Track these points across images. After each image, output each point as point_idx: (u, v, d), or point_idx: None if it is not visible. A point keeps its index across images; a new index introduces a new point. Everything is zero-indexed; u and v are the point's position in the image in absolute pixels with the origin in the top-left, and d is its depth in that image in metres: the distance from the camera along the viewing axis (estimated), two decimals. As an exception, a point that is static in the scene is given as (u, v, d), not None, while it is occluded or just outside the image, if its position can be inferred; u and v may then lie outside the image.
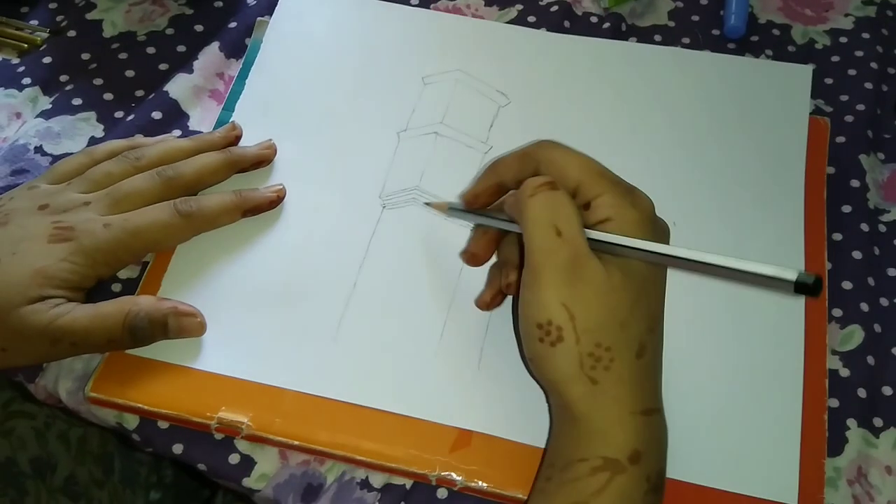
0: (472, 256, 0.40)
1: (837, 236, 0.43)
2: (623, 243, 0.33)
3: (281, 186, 0.44)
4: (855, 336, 0.40)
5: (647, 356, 0.33)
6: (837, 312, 0.41)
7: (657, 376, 0.34)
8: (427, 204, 0.42)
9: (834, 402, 0.39)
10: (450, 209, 0.41)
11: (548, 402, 0.37)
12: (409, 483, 0.37)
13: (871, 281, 0.42)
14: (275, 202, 0.43)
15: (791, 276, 0.29)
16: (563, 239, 0.33)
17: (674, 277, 0.41)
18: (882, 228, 0.44)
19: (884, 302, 0.42)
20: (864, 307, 0.41)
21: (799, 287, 0.29)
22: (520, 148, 0.37)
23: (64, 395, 0.39)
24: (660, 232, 0.35)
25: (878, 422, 0.39)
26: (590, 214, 0.34)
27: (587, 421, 0.32)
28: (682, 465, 0.37)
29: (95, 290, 0.40)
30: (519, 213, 0.34)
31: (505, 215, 0.37)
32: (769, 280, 0.30)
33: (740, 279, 0.31)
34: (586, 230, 0.33)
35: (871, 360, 0.40)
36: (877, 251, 0.43)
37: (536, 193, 0.34)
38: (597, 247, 0.33)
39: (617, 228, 0.33)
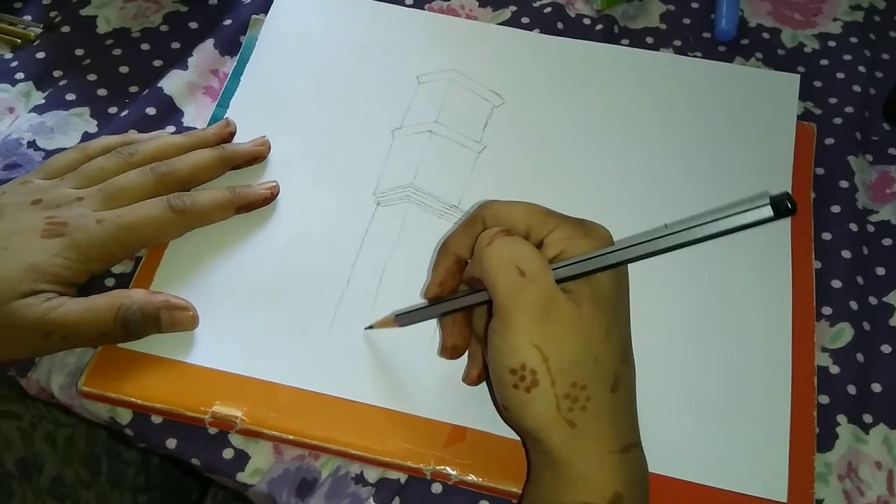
0: (453, 350, 0.38)
1: (827, 236, 0.44)
2: (596, 265, 0.31)
3: (275, 183, 0.44)
4: (844, 334, 0.41)
5: (622, 388, 0.32)
6: (827, 310, 0.42)
7: (633, 408, 0.33)
8: (369, 328, 0.40)
9: (824, 399, 0.39)
10: (397, 318, 0.38)
11: (524, 446, 0.36)
12: (403, 477, 0.37)
13: (860, 280, 0.43)
14: (269, 199, 0.43)
15: (767, 212, 0.27)
16: (527, 278, 0.31)
17: (662, 277, 0.41)
18: (870, 228, 0.45)
19: (872, 300, 0.42)
20: (854, 305, 0.42)
21: (777, 212, 0.27)
22: (462, 218, 0.36)
23: (56, 390, 0.39)
24: None
25: (867, 418, 0.39)
26: (544, 251, 0.33)
27: (568, 466, 0.32)
28: (673, 462, 0.37)
29: (88, 285, 0.40)
30: (480, 267, 0.33)
31: (460, 293, 0.36)
32: (752, 224, 0.28)
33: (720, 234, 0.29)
34: (552, 267, 0.32)
35: (860, 357, 0.40)
36: (865, 250, 0.44)
37: (493, 241, 0.33)
38: (563, 279, 0.32)
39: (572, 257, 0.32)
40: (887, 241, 0.44)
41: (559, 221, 0.34)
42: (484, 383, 0.38)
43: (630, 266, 0.41)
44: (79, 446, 0.49)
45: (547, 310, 0.31)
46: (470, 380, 0.38)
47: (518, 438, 0.37)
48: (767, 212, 0.27)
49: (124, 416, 0.38)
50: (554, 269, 0.32)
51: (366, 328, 0.40)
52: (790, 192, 0.28)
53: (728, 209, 0.28)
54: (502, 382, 0.32)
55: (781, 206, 0.27)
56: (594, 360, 0.31)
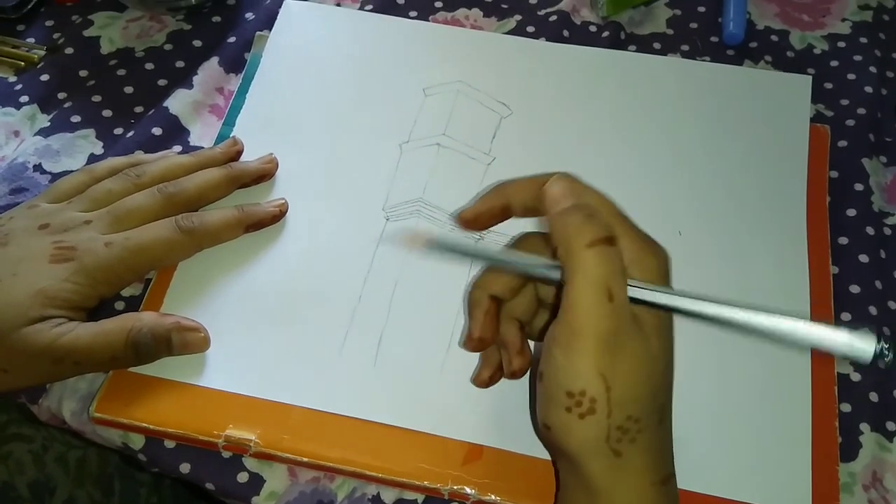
0: (479, 342, 0.35)
1: (843, 240, 0.43)
2: (676, 305, 0.30)
3: (283, 201, 0.43)
4: (865, 340, 0.40)
5: (667, 419, 0.32)
6: (846, 316, 0.41)
7: (671, 438, 0.32)
8: (401, 239, 0.38)
9: (846, 407, 0.39)
10: (429, 241, 0.34)
11: (554, 465, 0.35)
12: (420, 498, 0.37)
13: (878, 284, 0.42)
14: (277, 217, 0.43)
15: (869, 346, 0.26)
16: (613, 305, 0.29)
17: (678, 286, 0.41)
18: (887, 231, 0.44)
19: (892, 305, 0.42)
20: (873, 310, 0.41)
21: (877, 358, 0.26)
22: (535, 175, 0.34)
23: (68, 416, 0.39)
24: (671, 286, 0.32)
25: (891, 426, 0.38)
26: None
27: (607, 496, 0.30)
28: (694, 475, 0.36)
29: (98, 309, 0.39)
30: (567, 260, 0.30)
31: (519, 255, 0.34)
32: (842, 348, 0.27)
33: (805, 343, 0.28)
34: (631, 287, 0.30)
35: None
36: (883, 254, 0.43)
37: (595, 246, 0.29)
38: (633, 300, 0.30)
39: (636, 277, 0.31)
40: (905, 244, 0.44)
41: (629, 229, 0.31)
42: (495, 392, 0.38)
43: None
44: (91, 467, 0.49)
45: (620, 341, 0.29)
46: (480, 381, 0.37)
47: (537, 456, 0.36)
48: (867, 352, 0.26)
49: (137, 441, 0.38)
50: (630, 287, 0.30)
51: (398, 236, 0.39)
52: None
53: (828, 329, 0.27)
54: (554, 401, 0.30)
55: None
56: (653, 394, 0.31)
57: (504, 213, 0.35)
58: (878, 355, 0.26)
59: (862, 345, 0.26)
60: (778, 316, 0.28)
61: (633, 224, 0.32)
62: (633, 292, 0.30)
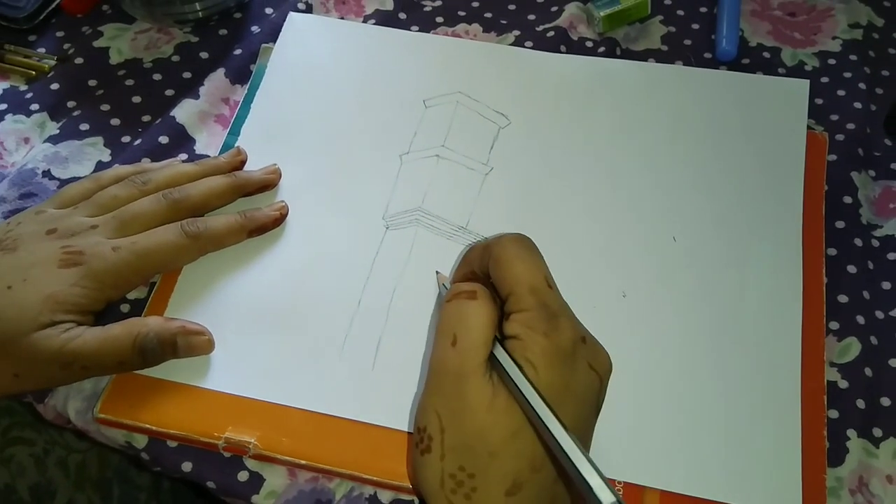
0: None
1: (832, 251, 0.44)
2: (506, 368, 0.31)
3: (283, 204, 0.44)
4: (852, 348, 0.41)
5: (523, 497, 0.30)
6: (834, 325, 0.42)
7: None
8: (437, 272, 0.42)
9: (834, 413, 0.39)
10: (442, 286, 0.41)
11: None
12: (417, 500, 0.37)
13: (866, 294, 0.43)
14: (279, 220, 0.44)
15: (606, 499, 0.28)
16: (455, 349, 0.32)
17: (672, 292, 0.42)
18: (875, 243, 0.45)
19: (879, 315, 0.43)
20: (861, 320, 0.42)
21: None
22: (488, 238, 0.36)
23: (73, 416, 0.39)
24: (572, 371, 0.32)
25: (877, 432, 0.39)
26: (507, 326, 0.32)
27: None
28: (685, 479, 0.37)
29: (104, 312, 0.40)
30: (438, 318, 0.34)
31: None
32: (589, 492, 0.28)
33: (572, 474, 0.29)
34: (497, 345, 0.32)
35: (868, 371, 0.41)
36: (871, 265, 0.44)
37: (452, 300, 0.33)
38: (495, 365, 0.32)
39: (521, 350, 0.31)
40: (892, 256, 0.44)
41: (534, 304, 0.32)
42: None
43: (640, 280, 0.42)
44: (91, 472, 0.49)
45: (459, 385, 0.31)
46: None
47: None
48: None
49: (140, 440, 0.39)
50: (492, 352, 0.32)
51: (437, 271, 0.42)
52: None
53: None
54: (413, 437, 0.33)
55: None
56: (489, 454, 0.30)
57: (475, 277, 0.36)
58: None
59: (602, 495, 0.28)
60: (571, 441, 0.29)
61: (545, 301, 0.32)
62: (494, 356, 0.32)
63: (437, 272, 0.42)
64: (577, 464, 0.29)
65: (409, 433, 0.38)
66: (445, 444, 0.31)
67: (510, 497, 0.30)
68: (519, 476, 0.30)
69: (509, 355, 0.32)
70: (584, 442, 0.33)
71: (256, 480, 0.38)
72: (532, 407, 0.30)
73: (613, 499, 0.28)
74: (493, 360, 0.32)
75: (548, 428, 0.30)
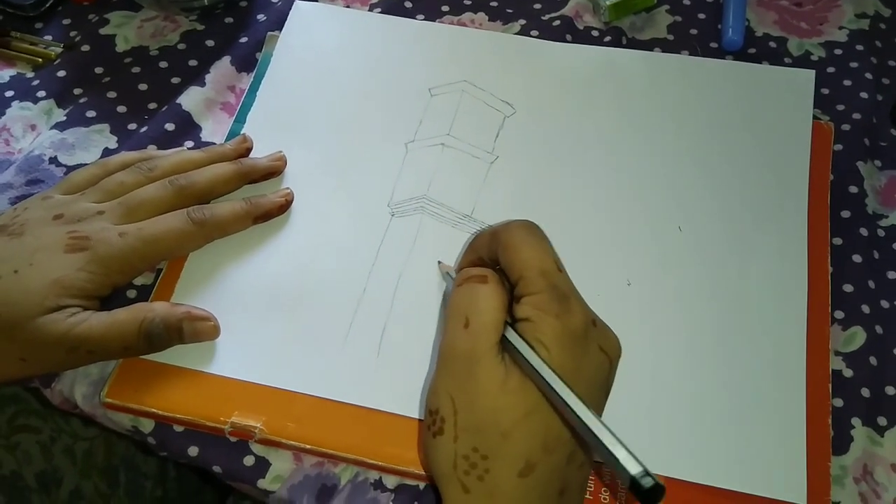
0: None
1: (838, 241, 0.44)
2: (519, 349, 0.31)
3: (288, 190, 0.44)
4: (857, 337, 0.41)
5: (536, 478, 0.30)
6: (839, 314, 0.42)
7: (548, 502, 0.31)
8: (439, 262, 0.42)
9: (838, 402, 0.39)
10: (446, 274, 0.41)
11: None
12: (422, 484, 0.38)
13: (871, 284, 0.43)
14: (284, 207, 0.44)
15: (633, 469, 0.28)
16: (468, 331, 0.32)
17: (678, 281, 0.42)
18: (881, 233, 0.45)
19: (884, 304, 0.43)
20: (866, 309, 0.42)
21: (634, 486, 0.28)
22: (494, 225, 0.36)
23: (80, 400, 0.40)
24: (584, 353, 0.32)
25: (882, 421, 0.39)
26: (517, 309, 0.33)
27: None
28: (691, 465, 0.37)
29: (111, 297, 0.40)
30: (448, 301, 0.34)
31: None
32: (616, 464, 0.28)
33: (596, 449, 0.29)
34: (508, 328, 0.32)
35: (873, 360, 0.41)
36: (876, 255, 0.44)
37: (463, 284, 0.34)
38: (508, 347, 0.32)
39: (532, 331, 0.31)
40: (898, 246, 0.45)
41: (545, 287, 0.32)
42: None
43: (645, 269, 0.42)
44: (97, 459, 0.50)
45: (471, 366, 0.31)
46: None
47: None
48: (626, 477, 0.28)
49: (146, 425, 0.39)
50: (504, 334, 0.32)
51: (438, 262, 0.42)
52: (660, 484, 0.28)
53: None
54: (424, 420, 0.33)
55: (638, 487, 0.27)
56: (501, 434, 0.30)
57: (482, 264, 0.36)
58: (639, 483, 0.27)
59: (629, 465, 0.28)
60: (593, 416, 0.29)
61: (555, 283, 0.32)
62: (505, 334, 0.32)
63: (438, 262, 0.42)
64: (601, 437, 0.29)
65: (413, 419, 0.38)
66: (458, 426, 0.31)
67: (523, 478, 0.30)
68: (531, 457, 0.31)
69: (521, 337, 0.32)
70: None
71: (262, 465, 0.38)
72: (550, 385, 0.30)
73: (640, 468, 0.28)
74: (504, 343, 0.32)
75: (568, 405, 0.30)
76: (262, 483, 0.38)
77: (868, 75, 0.51)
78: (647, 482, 0.27)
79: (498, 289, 0.33)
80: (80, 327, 0.37)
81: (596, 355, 0.32)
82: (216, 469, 0.38)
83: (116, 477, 0.51)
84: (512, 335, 0.32)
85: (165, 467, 0.54)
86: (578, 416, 0.29)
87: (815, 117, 0.48)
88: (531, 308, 0.32)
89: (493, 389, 0.31)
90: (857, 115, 0.49)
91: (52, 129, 0.48)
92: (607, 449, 0.28)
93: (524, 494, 0.30)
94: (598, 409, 0.33)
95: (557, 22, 0.53)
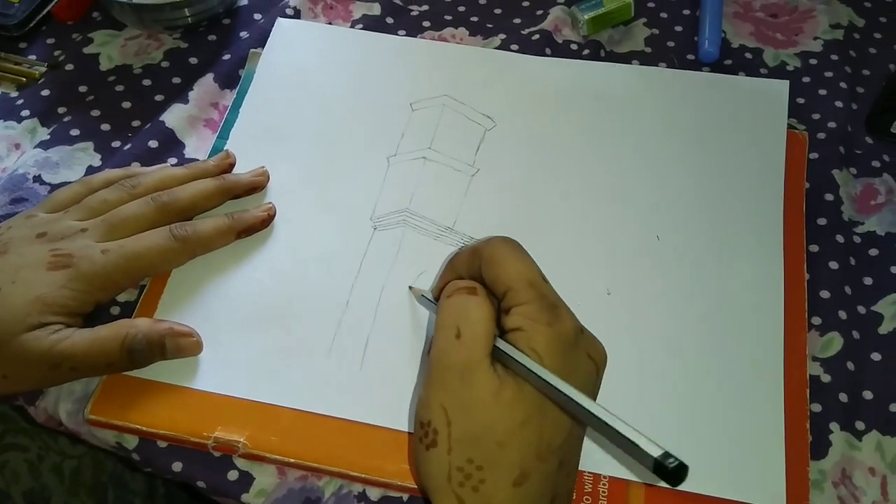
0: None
1: (814, 248, 0.45)
2: (516, 357, 0.31)
3: (271, 205, 0.45)
4: (834, 343, 0.42)
5: (529, 485, 0.31)
6: (817, 320, 0.42)
7: None
8: (411, 287, 0.42)
9: (817, 407, 0.40)
10: (421, 296, 0.41)
11: None
12: (405, 496, 0.38)
13: (847, 290, 0.43)
14: (267, 221, 0.44)
15: (656, 452, 0.28)
16: (460, 342, 0.32)
17: (656, 287, 0.42)
18: (857, 240, 0.46)
19: (861, 310, 0.43)
20: (843, 315, 0.42)
21: (658, 468, 0.28)
22: (474, 242, 0.36)
23: (64, 417, 0.40)
24: (575, 360, 0.32)
25: (860, 425, 0.40)
26: (506, 319, 0.33)
27: None
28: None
29: (94, 314, 0.40)
30: (437, 313, 0.34)
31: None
32: (635, 450, 0.28)
33: (613, 440, 0.29)
34: (497, 339, 0.32)
35: (851, 365, 0.41)
36: (852, 261, 0.45)
37: (452, 295, 0.33)
38: (500, 357, 0.32)
39: (525, 340, 0.32)
40: (873, 252, 0.45)
41: (534, 297, 0.32)
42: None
43: (624, 278, 0.43)
44: (85, 477, 0.50)
45: (466, 378, 0.31)
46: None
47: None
48: (649, 461, 0.28)
49: (131, 441, 0.39)
50: (495, 345, 0.32)
51: (409, 287, 0.42)
52: (683, 464, 0.28)
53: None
54: (414, 433, 0.33)
55: (664, 469, 0.28)
56: (497, 444, 0.30)
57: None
58: (662, 464, 0.28)
59: (650, 450, 0.28)
60: (604, 410, 0.30)
61: (544, 293, 0.33)
62: (498, 348, 0.32)
63: (410, 287, 0.42)
64: (619, 429, 0.29)
65: (397, 431, 0.38)
66: (452, 438, 0.31)
67: (517, 487, 0.30)
68: (526, 466, 0.31)
69: (514, 346, 0.32)
70: (576, 428, 0.33)
71: (246, 479, 0.38)
72: (556, 388, 0.30)
73: (662, 450, 0.28)
74: (496, 353, 0.32)
75: (579, 404, 0.30)
76: (247, 497, 0.38)
77: (843, 84, 0.51)
78: (672, 463, 0.27)
79: (487, 300, 0.33)
80: (63, 344, 0.37)
81: (585, 362, 0.33)
82: (200, 484, 0.38)
83: (105, 495, 0.51)
84: (504, 345, 0.32)
85: (154, 484, 0.54)
86: (592, 413, 0.30)
87: (790, 126, 0.49)
88: (522, 318, 0.32)
89: (489, 399, 0.31)
90: (832, 124, 0.50)
91: (36, 147, 0.48)
92: (627, 438, 0.29)
93: (517, 502, 0.31)
94: None
95: (537, 36, 0.54)
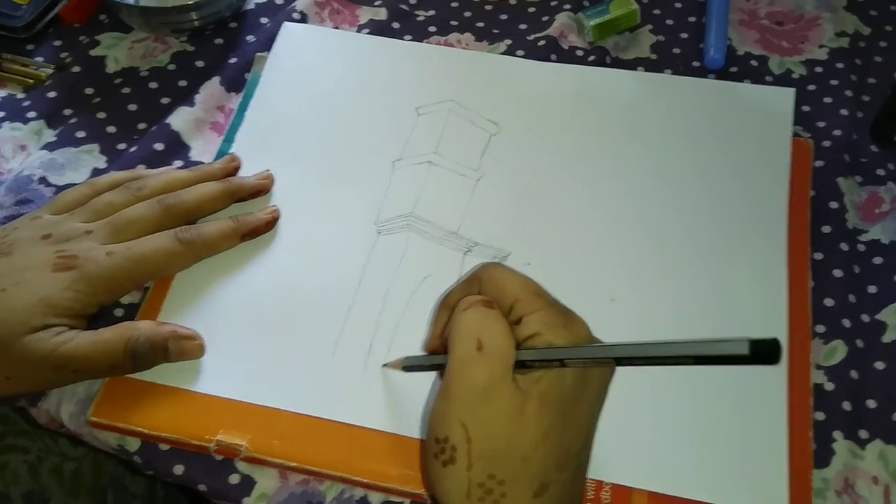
0: (433, 346, 0.38)
1: (819, 255, 0.45)
2: (546, 356, 0.30)
3: (275, 208, 0.45)
4: (838, 351, 0.42)
5: (549, 496, 0.30)
6: (820, 328, 0.42)
7: None
8: (384, 365, 0.40)
9: (820, 416, 0.40)
10: (405, 366, 0.39)
11: None
12: (407, 501, 0.38)
13: (852, 298, 0.43)
14: (271, 223, 0.44)
15: (743, 349, 0.25)
16: (482, 353, 0.30)
17: (659, 294, 0.42)
18: (861, 248, 0.46)
19: (865, 318, 0.43)
20: (847, 323, 0.42)
21: (756, 357, 0.25)
22: (465, 274, 0.36)
23: (66, 419, 0.40)
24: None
25: (863, 434, 0.40)
26: (520, 329, 0.32)
27: None
28: (673, 480, 0.37)
29: (97, 316, 0.41)
30: (451, 328, 0.32)
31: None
32: (727, 358, 0.26)
33: (687, 362, 0.27)
34: (518, 351, 0.31)
35: (854, 374, 0.41)
36: (857, 269, 0.45)
37: (469, 308, 0.32)
38: (522, 362, 0.31)
39: (544, 344, 0.31)
40: (878, 260, 0.45)
41: (544, 304, 0.32)
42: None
43: (629, 285, 0.43)
44: (85, 479, 0.50)
45: (488, 393, 0.30)
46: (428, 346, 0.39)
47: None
48: (744, 349, 0.25)
49: (132, 443, 0.39)
50: (518, 351, 0.31)
51: (383, 365, 0.40)
52: (778, 341, 0.25)
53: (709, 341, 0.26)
54: (427, 446, 0.32)
55: (763, 352, 0.25)
56: (521, 458, 0.30)
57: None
58: (758, 351, 0.25)
59: (738, 348, 0.25)
60: (657, 345, 0.28)
61: (553, 300, 0.33)
62: (520, 354, 0.31)
63: (382, 366, 0.40)
64: (698, 350, 0.26)
65: (400, 436, 0.38)
66: (473, 454, 0.30)
67: (537, 498, 0.30)
68: (546, 477, 0.30)
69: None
70: (590, 434, 0.33)
71: (248, 483, 0.38)
72: (604, 350, 0.29)
73: (746, 339, 0.25)
74: (516, 365, 0.31)
75: (644, 355, 0.28)
76: (248, 501, 0.38)
77: (848, 92, 0.51)
78: (764, 342, 0.25)
79: (503, 315, 0.32)
80: (66, 346, 0.37)
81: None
82: (202, 488, 0.38)
83: (104, 497, 0.51)
84: (527, 351, 0.31)
85: (154, 487, 0.54)
86: (662, 349, 0.27)
87: (796, 134, 0.49)
88: (537, 324, 0.31)
89: (514, 413, 0.30)
90: (837, 132, 0.50)
91: (42, 149, 0.49)
92: (712, 354, 0.26)
93: None
94: (596, 420, 0.33)
95: (543, 42, 0.54)
